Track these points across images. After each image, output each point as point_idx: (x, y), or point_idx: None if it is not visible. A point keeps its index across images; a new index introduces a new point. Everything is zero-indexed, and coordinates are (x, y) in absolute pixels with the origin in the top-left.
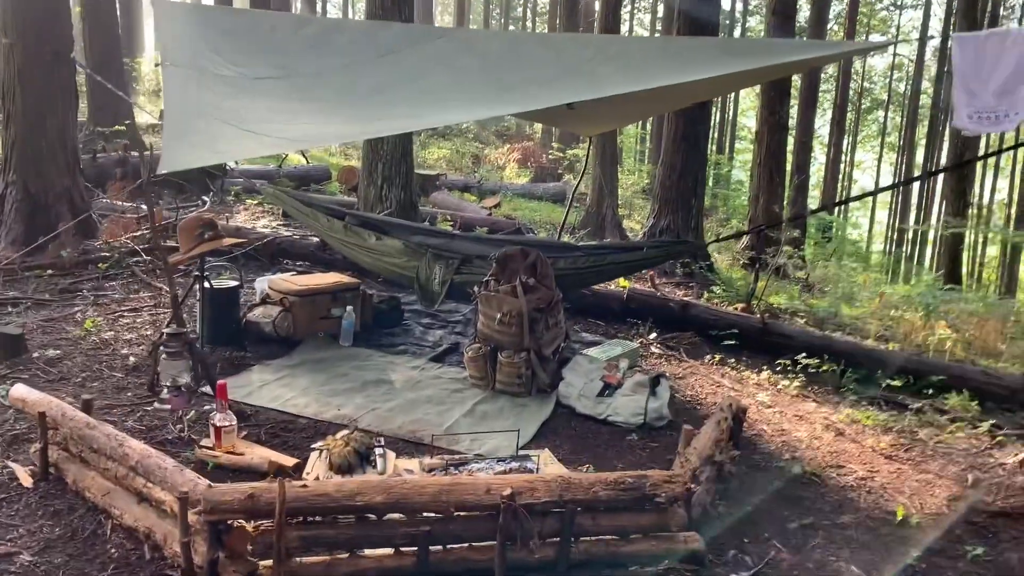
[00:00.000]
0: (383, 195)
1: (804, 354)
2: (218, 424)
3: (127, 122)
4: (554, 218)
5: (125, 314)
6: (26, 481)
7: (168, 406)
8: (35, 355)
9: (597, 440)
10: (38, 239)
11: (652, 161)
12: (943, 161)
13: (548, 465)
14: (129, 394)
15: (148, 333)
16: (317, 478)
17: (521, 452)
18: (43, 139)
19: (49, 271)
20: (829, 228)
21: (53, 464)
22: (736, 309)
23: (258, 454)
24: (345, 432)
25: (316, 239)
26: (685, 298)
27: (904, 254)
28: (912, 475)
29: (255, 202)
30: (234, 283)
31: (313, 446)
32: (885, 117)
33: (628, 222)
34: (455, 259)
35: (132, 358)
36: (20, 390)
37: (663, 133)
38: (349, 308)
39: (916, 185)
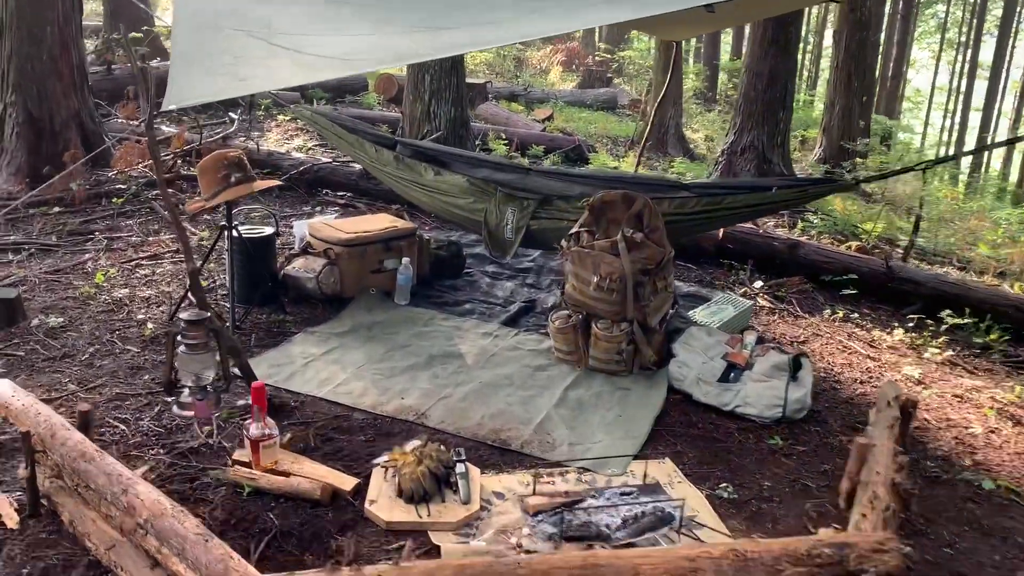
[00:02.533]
0: (431, 111)
1: (933, 303)
2: (255, 437)
3: (144, 28)
4: (611, 130)
5: (143, 263)
6: (11, 520)
7: (189, 413)
8: (34, 323)
9: (726, 442)
10: (43, 169)
11: (704, 61)
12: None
13: (673, 479)
14: (146, 376)
15: (169, 290)
16: (372, 500)
17: (638, 457)
18: (44, 51)
19: (56, 208)
20: (889, 136)
21: (45, 495)
22: (851, 248)
23: (307, 471)
24: (416, 444)
25: (358, 166)
26: (791, 236)
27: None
28: None
29: (287, 117)
30: (269, 230)
31: (375, 461)
32: (947, 11)
33: (687, 132)
34: (531, 200)
35: (150, 325)
36: (3, 390)
37: (746, 35)
38: (406, 260)
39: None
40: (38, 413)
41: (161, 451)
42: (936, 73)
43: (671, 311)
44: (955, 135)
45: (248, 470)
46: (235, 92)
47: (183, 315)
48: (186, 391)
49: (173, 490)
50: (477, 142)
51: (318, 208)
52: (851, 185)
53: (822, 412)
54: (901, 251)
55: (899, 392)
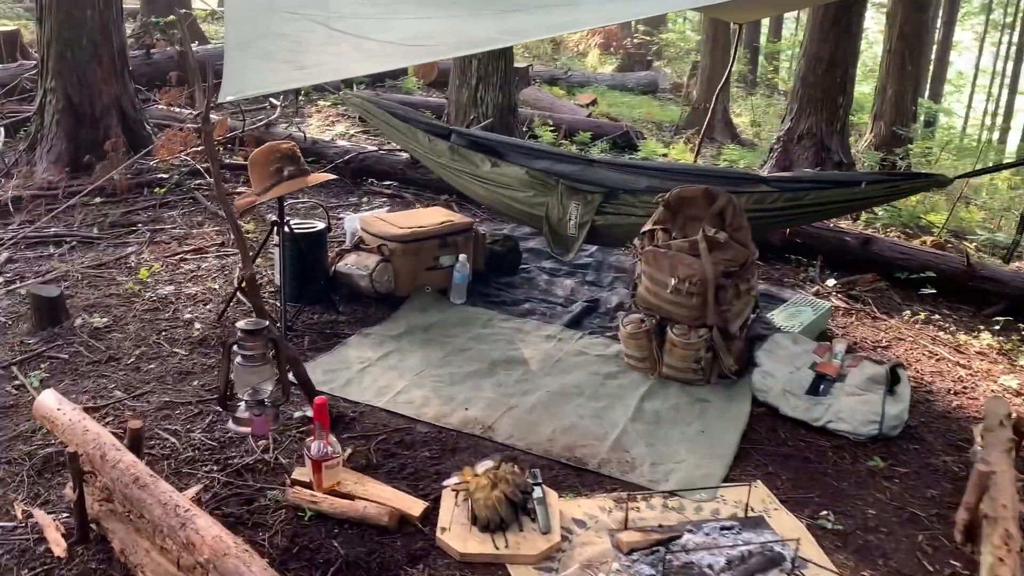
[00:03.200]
0: (478, 97)
1: (1018, 303)
2: (317, 457)
3: (183, 11)
4: (655, 115)
5: (188, 257)
6: (57, 547)
7: (245, 429)
8: (78, 322)
9: (821, 462)
10: (84, 158)
11: (745, 43)
12: None
13: (768, 507)
14: (195, 382)
15: (216, 287)
16: (443, 528)
17: (725, 485)
18: (83, 35)
19: (98, 198)
20: (934, 120)
21: (94, 520)
22: (926, 243)
23: (372, 493)
24: (489, 465)
25: (404, 154)
26: (862, 231)
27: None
28: None
29: (328, 103)
30: (321, 225)
31: (445, 483)
32: None
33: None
34: (596, 194)
35: (198, 325)
36: (47, 402)
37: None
38: (463, 257)
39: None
40: (86, 430)
41: (215, 468)
42: (980, 55)
43: (752, 316)
44: (999, 119)
45: (309, 491)
46: (297, 83)
47: (240, 324)
48: (242, 405)
49: (229, 513)
50: (524, 129)
51: (364, 199)
52: (946, 181)
53: (917, 427)
54: (972, 246)
55: (1009, 409)
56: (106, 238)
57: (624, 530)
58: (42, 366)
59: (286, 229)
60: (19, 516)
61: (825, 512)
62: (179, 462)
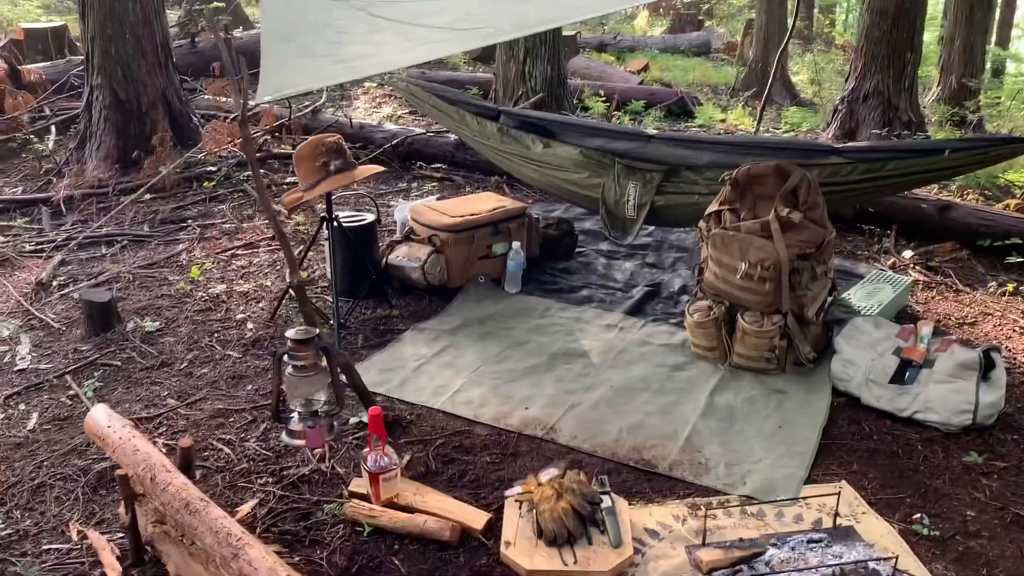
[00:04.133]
0: (525, 72)
1: None
2: (374, 470)
3: None
4: (710, 78)
5: (239, 253)
6: (113, 570)
7: (299, 442)
8: (130, 327)
9: (911, 458)
10: (132, 153)
11: None
12: None
13: (856, 510)
14: (248, 387)
15: (268, 284)
16: (507, 543)
17: (808, 494)
18: (126, 29)
19: (148, 195)
20: (1002, 69)
21: (148, 542)
22: (1008, 207)
23: (433, 505)
24: (553, 473)
25: (453, 136)
26: (939, 196)
27: None
28: None
29: (374, 84)
30: (370, 217)
31: (508, 492)
32: None
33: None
34: (655, 172)
35: (250, 325)
36: (98, 419)
37: None
38: (516, 245)
39: None
40: (136, 449)
41: (270, 480)
42: None
43: (829, 299)
44: None
45: (367, 505)
46: (339, 78)
47: (289, 333)
48: (296, 417)
49: (286, 531)
50: (575, 101)
51: (414, 184)
52: None
53: (1014, 415)
54: None
55: None
56: (157, 236)
57: (703, 546)
58: (96, 374)
59: (335, 224)
60: (74, 537)
61: (919, 515)
62: (234, 475)
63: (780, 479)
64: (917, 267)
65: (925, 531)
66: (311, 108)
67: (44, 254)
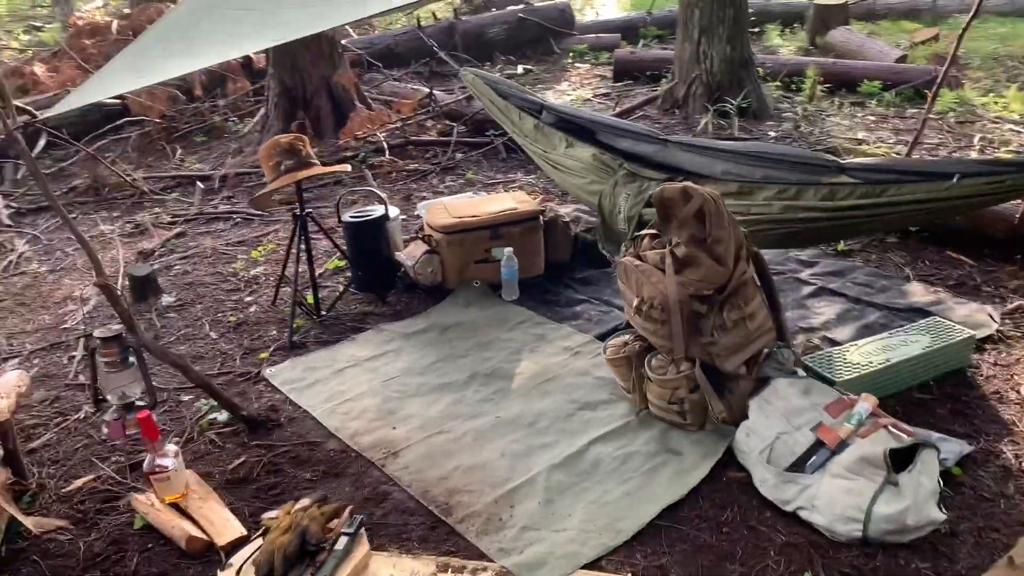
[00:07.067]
0: (700, 52)
1: None
2: (146, 470)
3: None
4: None
5: (313, 237)
6: None
7: (106, 431)
8: (162, 300)
9: (741, 564)
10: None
11: None
12: None
13: None
14: (199, 366)
15: (303, 270)
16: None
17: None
18: None
19: None
20: None
21: None
22: None
23: (202, 513)
24: (305, 503)
25: None
26: None
27: None
28: None
29: (590, 64)
30: (377, 213)
31: (264, 516)
32: None
33: None
34: (654, 181)
35: (253, 309)
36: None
37: None
38: (508, 251)
39: None
40: None
41: (120, 460)
42: None
43: (769, 350)
44: None
45: (150, 500)
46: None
47: (97, 332)
48: (113, 408)
49: (86, 508)
50: (769, 83)
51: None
52: None
53: (961, 538)
54: None
55: None
56: (265, 216)
57: None
58: None
59: (347, 218)
60: None
61: None
62: (93, 450)
63: (558, 557)
64: None
65: None
66: (466, 96)
67: (174, 226)
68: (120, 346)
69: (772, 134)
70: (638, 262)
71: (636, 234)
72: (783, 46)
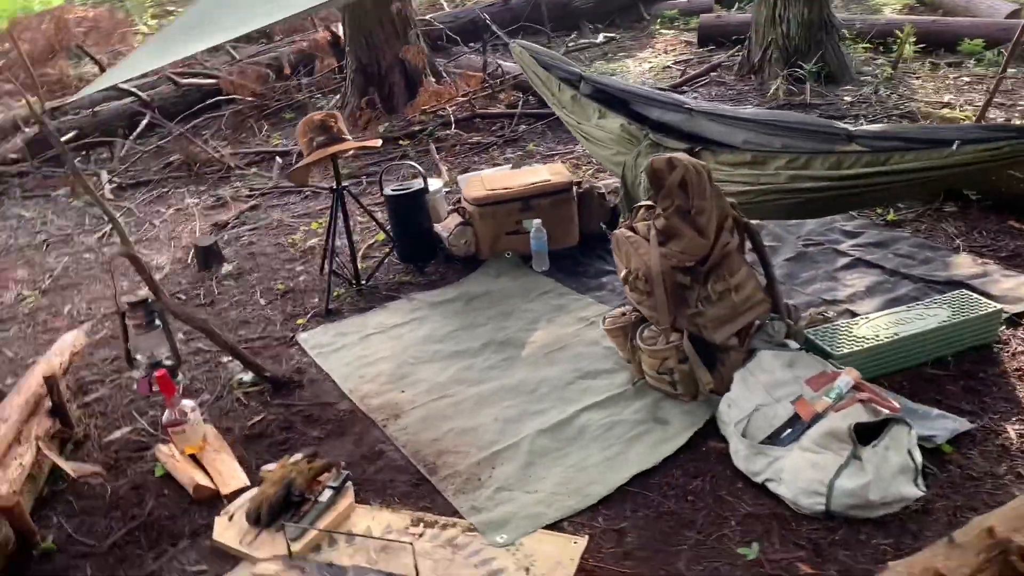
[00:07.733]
0: (776, 15)
1: None
2: (164, 422)
3: None
4: None
5: (374, 208)
6: None
7: (136, 388)
8: (223, 269)
9: (698, 531)
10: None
11: None
12: None
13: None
14: (242, 332)
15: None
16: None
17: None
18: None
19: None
20: None
21: None
22: None
23: (214, 466)
24: (297, 457)
25: None
26: None
27: None
28: None
29: (678, 29)
30: (416, 185)
31: (263, 468)
32: None
33: None
34: (677, 151)
35: (303, 278)
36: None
37: None
38: (537, 223)
39: None
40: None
41: (153, 414)
42: None
43: (761, 321)
44: None
45: (172, 451)
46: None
47: (125, 298)
48: (143, 367)
49: (120, 457)
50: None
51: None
52: None
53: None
54: None
55: None
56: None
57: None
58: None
59: (388, 191)
60: None
61: None
62: (134, 403)
63: (522, 517)
64: None
65: None
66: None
67: (251, 199)
68: (146, 310)
69: (848, 99)
70: (629, 233)
71: (634, 206)
72: (887, 4)
